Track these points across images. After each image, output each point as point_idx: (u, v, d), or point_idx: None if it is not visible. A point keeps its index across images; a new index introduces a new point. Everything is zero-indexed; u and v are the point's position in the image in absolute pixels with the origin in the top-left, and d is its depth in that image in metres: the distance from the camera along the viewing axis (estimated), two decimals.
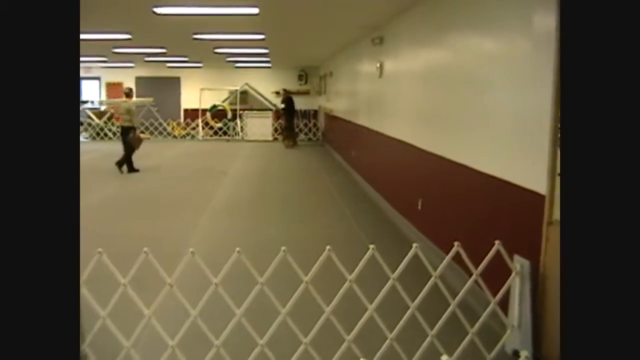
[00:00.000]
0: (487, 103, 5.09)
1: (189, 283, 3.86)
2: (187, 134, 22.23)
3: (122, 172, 12.91)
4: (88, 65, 22.04)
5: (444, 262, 3.62)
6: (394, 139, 8.68)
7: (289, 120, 20.12)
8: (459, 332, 3.67)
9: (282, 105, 20.18)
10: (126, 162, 13.06)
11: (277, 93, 22.63)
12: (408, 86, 8.07)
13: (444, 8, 6.44)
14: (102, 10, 8.62)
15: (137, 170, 13.10)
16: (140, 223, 8.32)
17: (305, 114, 22.71)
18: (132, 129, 13.15)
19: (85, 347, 3.39)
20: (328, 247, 3.40)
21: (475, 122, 5.40)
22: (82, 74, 23.16)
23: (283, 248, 3.37)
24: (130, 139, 13.04)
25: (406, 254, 3.55)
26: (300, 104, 22.87)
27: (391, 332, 3.57)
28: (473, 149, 5.42)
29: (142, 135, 14.47)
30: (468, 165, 5.42)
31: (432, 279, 3.58)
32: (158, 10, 8.10)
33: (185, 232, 7.61)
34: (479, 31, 5.45)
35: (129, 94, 13.66)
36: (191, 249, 3.38)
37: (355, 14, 8.72)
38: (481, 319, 3.73)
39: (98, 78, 23.65)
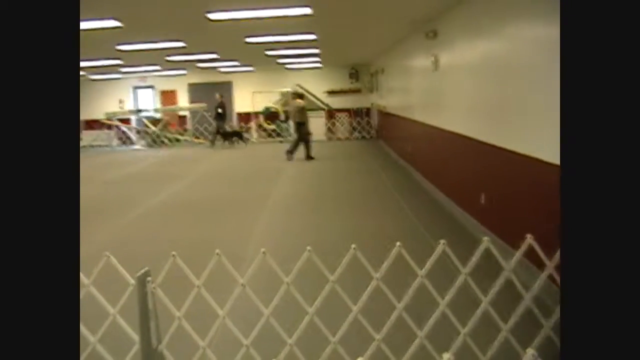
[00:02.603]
0: (552, 92, 4.97)
1: (257, 282, 3.88)
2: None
3: (290, 159, 15.82)
4: (143, 75, 22.54)
5: (517, 255, 3.54)
6: (452, 132, 8.58)
7: (222, 124, 20.84)
8: (533, 328, 3.59)
9: (220, 110, 20.54)
10: (305, 152, 15.98)
11: (330, 92, 22.75)
12: (466, 78, 7.96)
13: None
14: (157, 20, 8.80)
15: (313, 158, 15.84)
16: (201, 225, 8.45)
17: (357, 112, 22.69)
18: (302, 124, 16.06)
19: (162, 347, 3.46)
20: (398, 244, 3.37)
21: (540, 112, 5.28)
22: (137, 83, 23.73)
23: (353, 246, 3.36)
24: (302, 132, 16.09)
25: (471, 249, 3.50)
26: (351, 102, 22.89)
27: (464, 327, 3.52)
28: (539, 139, 5.30)
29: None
30: (533, 155, 5.31)
31: (504, 272, 3.51)
32: (211, 15, 8.21)
33: (246, 233, 7.69)
34: (539, 18, 5.32)
35: (300, 96, 16.81)
36: (263, 249, 3.41)
37: (408, 8, 8.66)
38: (556, 314, 3.63)
39: (152, 87, 24.14)
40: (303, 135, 16.19)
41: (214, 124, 20.87)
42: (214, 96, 20.85)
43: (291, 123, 21.81)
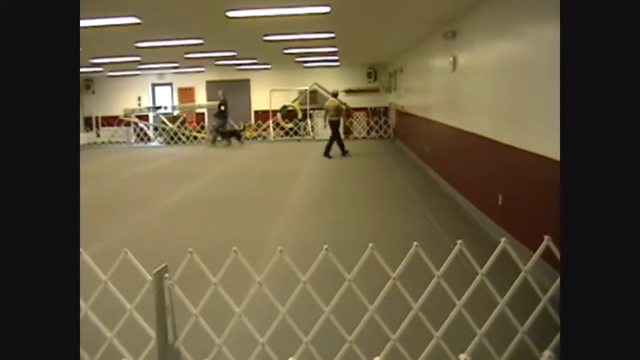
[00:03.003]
0: None
1: (274, 281, 3.89)
2: (259, 136, 22.51)
3: (347, 154, 16.35)
4: (161, 72, 22.66)
5: (534, 256, 3.52)
6: (470, 133, 8.53)
7: (224, 122, 20.84)
8: (550, 329, 3.57)
9: (222, 108, 20.46)
10: (339, 147, 16.41)
11: (348, 91, 22.70)
12: (485, 79, 7.91)
13: None
14: (176, 17, 8.84)
15: (330, 157, 16.06)
16: (219, 223, 8.48)
17: (375, 112, 22.65)
18: (338, 122, 16.55)
19: (178, 343, 3.48)
20: (415, 244, 3.37)
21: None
22: (155, 81, 23.85)
23: (371, 245, 3.36)
24: (337, 130, 16.59)
25: (487, 249, 3.47)
26: (369, 101, 22.84)
27: (480, 328, 3.50)
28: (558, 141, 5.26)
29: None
30: (553, 157, 5.27)
31: (521, 274, 3.49)
32: (230, 13, 8.23)
33: (264, 232, 7.70)
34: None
35: (336, 95, 17.11)
36: (279, 248, 3.41)
37: (427, 8, 8.62)
38: None
39: (170, 84, 24.24)
40: (337, 132, 16.55)
41: (216, 121, 20.86)
42: (217, 94, 20.93)
43: (309, 122, 21.91)
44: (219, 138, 20.56)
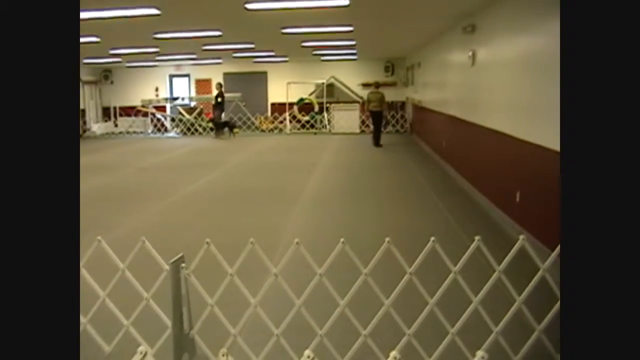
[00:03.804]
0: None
1: (289, 272, 3.89)
2: (275, 128, 22.52)
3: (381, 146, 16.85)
4: (179, 63, 22.71)
5: (553, 255, 3.48)
6: (488, 129, 8.47)
7: (220, 114, 20.83)
8: None
9: (219, 99, 20.47)
10: (374, 138, 17.14)
11: (365, 85, 22.61)
12: (504, 75, 7.85)
13: None
14: (195, 9, 8.85)
15: (381, 146, 16.88)
16: (235, 214, 8.50)
17: (392, 106, 22.57)
18: (381, 112, 17.26)
19: (194, 333, 3.49)
20: (432, 239, 3.35)
21: None
22: (173, 72, 23.91)
23: (387, 239, 3.35)
24: (380, 121, 17.29)
25: (504, 247, 3.45)
26: (387, 95, 22.72)
27: (496, 325, 3.48)
28: None
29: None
30: None
31: (540, 272, 3.46)
32: (249, 6, 8.23)
33: (280, 224, 7.70)
34: None
35: (378, 85, 17.64)
36: (296, 240, 3.41)
37: (447, 1, 8.56)
38: None
39: (188, 75, 24.29)
40: (380, 123, 17.30)
41: (215, 113, 20.92)
42: (217, 85, 21.03)
43: (326, 115, 21.87)
44: (225, 129, 20.71)
